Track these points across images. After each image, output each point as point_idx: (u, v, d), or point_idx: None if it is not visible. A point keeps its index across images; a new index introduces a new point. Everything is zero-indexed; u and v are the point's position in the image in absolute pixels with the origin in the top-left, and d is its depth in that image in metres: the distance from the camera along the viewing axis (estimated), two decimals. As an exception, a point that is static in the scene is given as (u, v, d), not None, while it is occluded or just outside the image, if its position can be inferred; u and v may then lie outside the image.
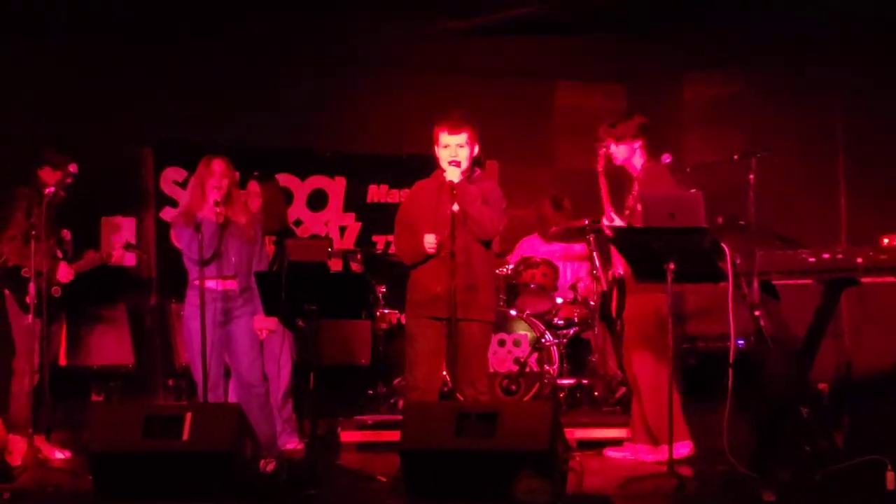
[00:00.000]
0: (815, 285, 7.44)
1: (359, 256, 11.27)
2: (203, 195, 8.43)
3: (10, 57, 10.84)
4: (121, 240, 9.82)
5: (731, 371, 7.22)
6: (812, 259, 7.17)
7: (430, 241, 7.68)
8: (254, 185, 9.52)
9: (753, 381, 7.44)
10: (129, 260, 10.81)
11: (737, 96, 11.90)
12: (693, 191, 7.79)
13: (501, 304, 10.23)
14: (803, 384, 7.44)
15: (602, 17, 11.93)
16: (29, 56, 10.97)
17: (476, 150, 7.85)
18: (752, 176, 7.39)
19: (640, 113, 8.44)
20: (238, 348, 8.49)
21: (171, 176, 11.60)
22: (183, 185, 11.31)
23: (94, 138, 10.83)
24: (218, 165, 8.43)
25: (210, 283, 8.31)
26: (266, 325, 8.51)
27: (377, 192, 12.20)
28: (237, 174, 8.66)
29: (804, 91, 11.37)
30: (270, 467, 7.49)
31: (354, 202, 12.16)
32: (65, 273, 8.99)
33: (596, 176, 8.22)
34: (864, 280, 7.26)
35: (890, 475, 6.37)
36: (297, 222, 11.81)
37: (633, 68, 12.50)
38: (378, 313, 10.60)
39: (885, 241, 7.38)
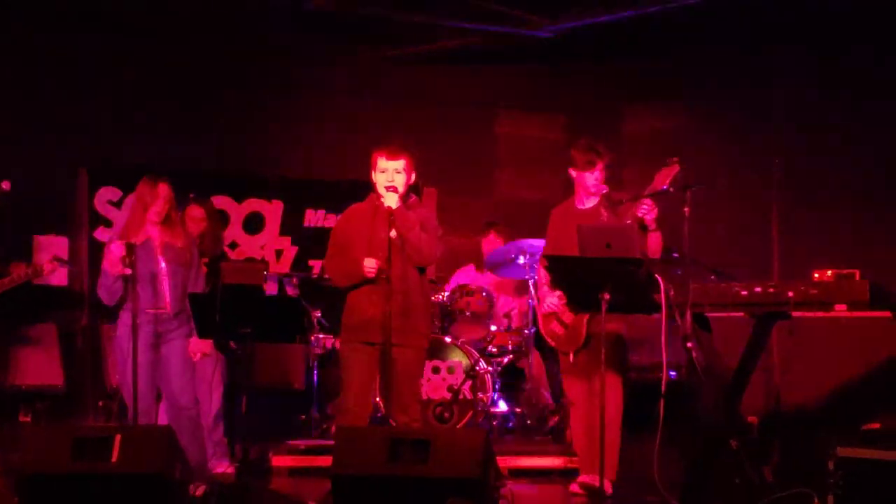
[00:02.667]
0: (747, 318, 7.49)
1: (294, 281, 11.24)
2: (143, 217, 8.40)
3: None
4: (53, 256, 9.72)
5: (662, 402, 7.25)
6: (744, 292, 7.20)
7: (370, 264, 7.67)
8: (196, 210, 9.46)
9: (684, 412, 7.47)
10: (61, 278, 10.76)
11: (675, 130, 11.99)
12: (629, 222, 7.83)
13: (436, 330, 10.24)
14: (734, 417, 7.48)
15: (543, 49, 11.98)
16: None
17: (413, 177, 7.87)
18: (686, 209, 7.41)
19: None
20: (170, 370, 8.44)
21: (105, 196, 11.53)
22: (118, 204, 11.28)
23: (28, 158, 10.78)
24: (163, 189, 8.39)
25: (143, 305, 8.26)
26: (201, 347, 8.48)
27: (314, 217, 12.16)
28: (172, 196, 8.63)
29: (742, 126, 11.51)
30: (200, 491, 7.45)
31: (291, 226, 12.12)
32: None
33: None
34: (795, 314, 7.31)
35: (817, 508, 6.42)
36: (233, 245, 11.78)
37: (574, 99, 12.55)
38: (313, 338, 10.56)
39: (817, 275, 7.44)
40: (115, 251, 8.14)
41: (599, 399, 7.38)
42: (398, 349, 7.64)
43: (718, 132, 11.54)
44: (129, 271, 8.04)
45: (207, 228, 9.54)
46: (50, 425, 10.12)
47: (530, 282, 10.16)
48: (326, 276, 8.53)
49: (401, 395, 7.73)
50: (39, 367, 10.65)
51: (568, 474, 8.66)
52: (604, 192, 8.13)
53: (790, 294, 7.10)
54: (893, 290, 7.25)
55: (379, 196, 7.77)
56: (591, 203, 8.24)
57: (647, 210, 7.81)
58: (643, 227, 7.89)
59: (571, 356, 8.20)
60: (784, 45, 11.23)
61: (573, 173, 8.27)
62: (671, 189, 7.58)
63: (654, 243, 7.96)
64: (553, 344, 8.36)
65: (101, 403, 10.57)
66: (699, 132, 11.64)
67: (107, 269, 8.27)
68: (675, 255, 7.98)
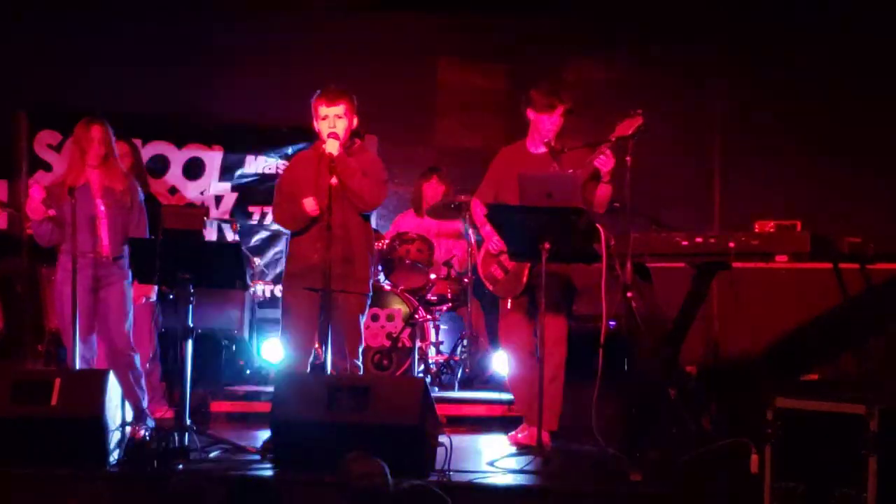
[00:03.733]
0: (688, 269, 7.53)
1: (234, 227, 11.19)
2: (81, 160, 8.35)
3: None
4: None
5: (601, 352, 7.27)
6: (685, 242, 7.24)
7: (310, 204, 7.70)
8: (122, 146, 9.30)
9: (624, 362, 7.50)
10: (1, 222, 10.67)
11: (618, 81, 11.99)
12: (570, 171, 7.81)
13: (376, 278, 10.22)
14: (672, 366, 7.52)
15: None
16: None
17: (355, 121, 7.87)
18: (628, 158, 7.42)
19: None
20: (108, 315, 8.42)
21: (45, 139, 11.43)
22: (58, 148, 11.20)
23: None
24: (98, 131, 8.35)
25: (82, 248, 8.21)
26: (144, 291, 8.49)
27: (254, 163, 12.08)
28: (111, 139, 8.55)
29: (684, 78, 11.53)
30: (140, 434, 7.43)
31: (231, 172, 12.04)
32: None
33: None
34: (736, 265, 7.35)
35: (754, 458, 6.45)
36: (173, 190, 11.70)
37: (517, 48, 12.52)
38: (253, 284, 10.53)
39: (758, 227, 7.49)
40: (34, 196, 8.12)
41: (540, 347, 7.40)
42: (340, 296, 7.66)
43: (661, 84, 11.53)
44: (52, 213, 8.03)
45: (133, 164, 9.43)
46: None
47: (467, 227, 10.13)
48: (276, 223, 8.46)
49: (342, 341, 7.74)
50: (-24, 309, 10.60)
51: (508, 422, 8.68)
52: (546, 140, 8.05)
53: (731, 244, 7.14)
54: (835, 240, 7.31)
55: (322, 143, 7.75)
56: (543, 149, 8.10)
57: (604, 160, 7.71)
58: (596, 177, 7.83)
59: (510, 302, 8.16)
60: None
61: (531, 115, 8.10)
62: (634, 139, 7.52)
63: (603, 194, 7.87)
64: (491, 288, 8.30)
65: (40, 347, 10.50)
66: (642, 85, 11.64)
67: (28, 214, 8.25)
68: (617, 205, 7.98)
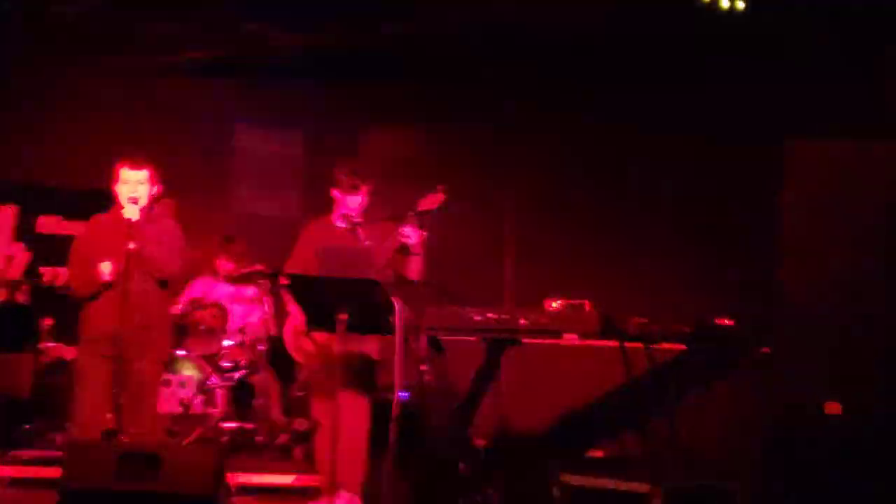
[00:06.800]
0: (480, 343, 7.66)
1: (25, 287, 11.00)
2: None
3: None
4: None
5: (394, 425, 7.33)
6: (478, 317, 7.38)
7: (107, 268, 7.65)
8: None
9: (415, 433, 7.58)
10: None
11: (414, 154, 12.17)
12: (367, 244, 7.91)
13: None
14: (463, 440, 7.63)
15: (285, 65, 12.03)
16: None
17: (156, 189, 7.86)
18: (425, 232, 7.58)
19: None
20: None
21: None
22: None
23: None
24: None
25: None
26: None
27: (48, 223, 11.91)
28: None
29: (479, 155, 11.76)
30: None
31: (24, 232, 11.85)
32: None
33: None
34: (527, 340, 7.52)
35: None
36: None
37: (313, 116, 12.61)
38: (42, 346, 10.35)
39: (547, 304, 7.67)
40: None
41: (343, 421, 7.41)
42: (136, 363, 7.62)
43: (457, 158, 11.74)
44: None
45: None
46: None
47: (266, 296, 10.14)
48: (69, 287, 8.35)
49: (135, 409, 7.69)
50: None
51: (300, 493, 8.68)
52: (349, 216, 8.09)
53: (521, 321, 7.30)
54: (622, 320, 7.52)
55: (121, 207, 7.72)
56: (345, 223, 8.13)
57: (409, 234, 7.76)
58: (404, 250, 7.90)
59: (321, 375, 8.11)
60: (514, 68, 11.52)
61: (335, 193, 8.13)
62: (435, 214, 7.64)
63: (416, 266, 7.91)
64: (300, 360, 8.27)
65: None
66: (437, 158, 11.83)
67: None
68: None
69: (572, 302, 7.59)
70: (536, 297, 8.05)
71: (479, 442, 8.19)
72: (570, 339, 7.44)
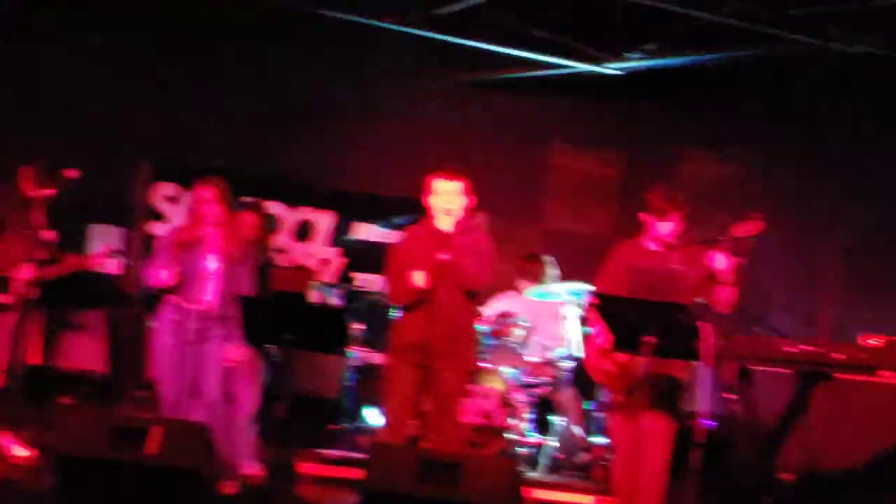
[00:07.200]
0: (791, 375, 7.48)
1: (340, 292, 11.27)
2: (198, 216, 8.46)
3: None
4: (107, 246, 9.92)
5: (697, 452, 7.20)
6: (791, 349, 7.21)
7: (419, 277, 7.71)
8: (250, 217, 9.45)
9: (720, 463, 7.44)
10: (115, 268, 10.85)
11: (732, 178, 11.98)
12: (676, 267, 7.78)
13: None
14: (768, 473, 7.46)
15: (609, 86, 12.00)
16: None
17: (469, 201, 7.90)
18: (741, 259, 7.39)
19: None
20: (206, 369, 8.45)
21: (163, 191, 11.74)
22: (174, 201, 11.43)
23: (94, 146, 10.99)
24: (213, 191, 8.43)
25: (188, 302, 8.31)
26: (234, 354, 8.43)
27: (363, 230, 12.21)
28: (228, 198, 8.66)
29: (798, 181, 11.50)
30: (229, 489, 7.47)
31: (341, 237, 12.17)
32: (25, 272, 8.94)
33: None
34: (841, 377, 7.29)
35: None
36: (282, 251, 11.83)
37: (633, 138, 12.56)
38: (352, 350, 10.57)
39: (869, 341, 7.42)
40: (163, 280, 8.24)
41: (645, 445, 7.30)
42: (443, 372, 7.70)
43: (773, 185, 11.52)
44: (118, 270, 8.14)
45: (258, 237, 9.54)
46: (89, 409, 10.17)
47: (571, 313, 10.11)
48: (386, 298, 8.48)
49: (439, 417, 7.80)
50: (85, 352, 10.81)
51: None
52: (666, 243, 7.93)
53: (835, 356, 7.10)
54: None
55: (433, 219, 7.81)
56: (657, 245, 7.97)
57: (716, 259, 7.56)
58: (712, 278, 7.62)
59: (621, 396, 8.05)
60: (837, 102, 11.23)
61: (646, 218, 7.96)
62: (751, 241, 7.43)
63: (724, 295, 7.59)
64: (602, 381, 8.20)
65: (136, 393, 10.61)
66: (758, 183, 11.62)
67: (149, 280, 8.39)
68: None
69: (891, 339, 7.33)
70: (850, 331, 7.82)
71: (786, 476, 7.98)
72: (886, 376, 7.16)
